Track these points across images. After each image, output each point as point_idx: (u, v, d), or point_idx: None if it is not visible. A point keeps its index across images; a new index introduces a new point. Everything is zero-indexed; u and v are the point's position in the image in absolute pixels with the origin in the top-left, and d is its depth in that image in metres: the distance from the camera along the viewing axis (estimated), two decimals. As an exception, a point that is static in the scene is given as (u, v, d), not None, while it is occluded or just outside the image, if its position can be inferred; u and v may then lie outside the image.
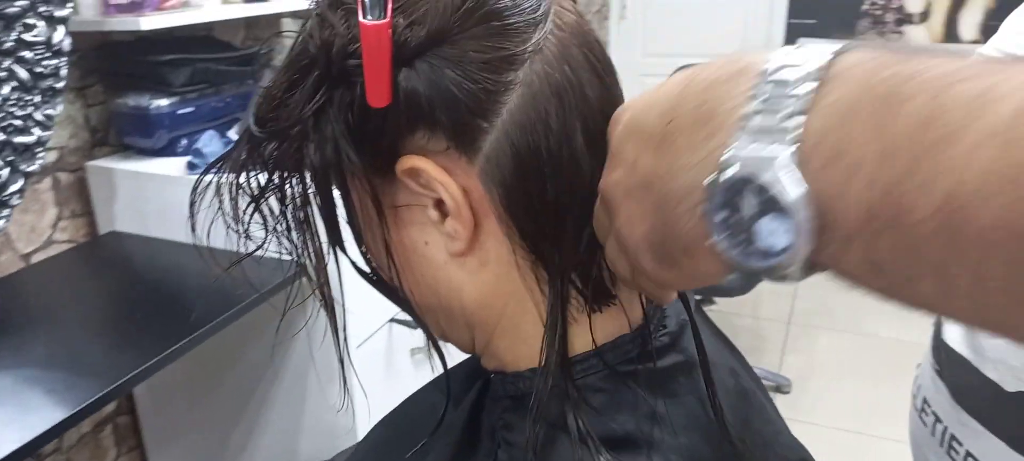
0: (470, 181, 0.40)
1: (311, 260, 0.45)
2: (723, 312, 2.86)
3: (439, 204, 0.41)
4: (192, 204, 0.43)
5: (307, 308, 0.50)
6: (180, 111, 1.49)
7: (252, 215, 0.43)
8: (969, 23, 3.52)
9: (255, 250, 0.45)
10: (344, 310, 0.49)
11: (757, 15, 3.96)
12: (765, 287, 2.79)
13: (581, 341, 0.44)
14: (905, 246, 0.23)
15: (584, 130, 0.40)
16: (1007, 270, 0.21)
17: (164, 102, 1.47)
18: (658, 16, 4.13)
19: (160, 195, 1.44)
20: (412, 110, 0.38)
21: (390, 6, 0.37)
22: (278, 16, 1.97)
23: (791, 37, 3.89)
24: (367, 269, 0.46)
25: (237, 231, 0.43)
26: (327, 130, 0.39)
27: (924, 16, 3.63)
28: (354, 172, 0.41)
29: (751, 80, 0.27)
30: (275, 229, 0.44)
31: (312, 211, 0.43)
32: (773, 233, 0.26)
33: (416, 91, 0.38)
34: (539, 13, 0.40)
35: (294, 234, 0.44)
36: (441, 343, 0.50)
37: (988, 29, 3.44)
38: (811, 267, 0.26)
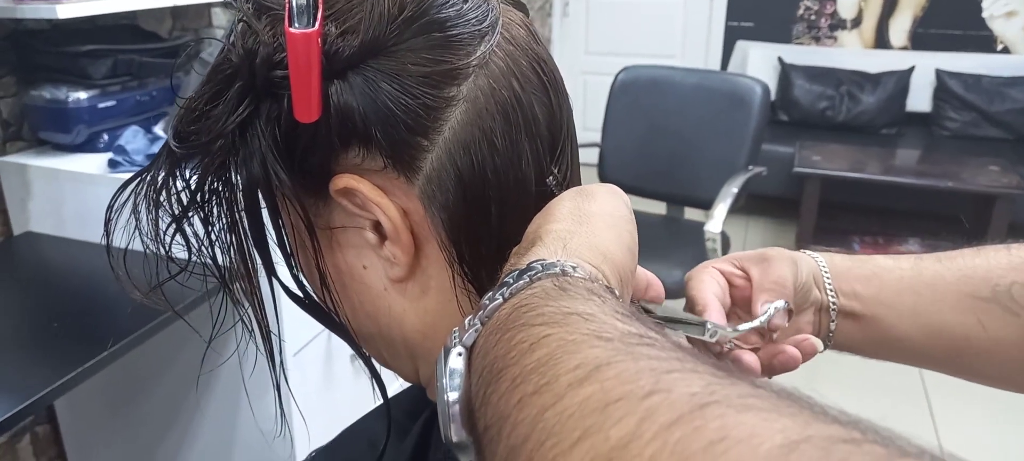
0: (409, 203, 0.37)
1: (241, 285, 0.41)
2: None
3: (377, 227, 0.38)
4: (107, 222, 0.39)
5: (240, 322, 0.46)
6: (101, 105, 1.40)
7: (173, 237, 0.39)
8: (898, 30, 3.65)
9: (177, 274, 0.41)
10: (280, 338, 0.46)
11: (697, 17, 4.02)
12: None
13: None
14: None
15: (532, 151, 0.38)
16: None
17: (83, 95, 1.38)
18: (600, 15, 4.15)
19: (79, 194, 1.35)
20: (344, 126, 0.35)
21: (321, 13, 0.34)
22: (207, 5, 1.88)
23: (729, 39, 3.96)
24: (300, 294, 0.43)
25: (157, 254, 0.39)
26: (253, 145, 0.36)
27: (856, 22, 3.74)
28: (283, 191, 0.37)
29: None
30: (199, 252, 0.40)
31: (240, 233, 0.40)
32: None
33: (349, 106, 0.35)
34: (485, 25, 0.37)
35: (220, 257, 0.40)
36: (381, 369, 0.47)
37: (916, 36, 3.58)
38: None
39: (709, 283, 0.49)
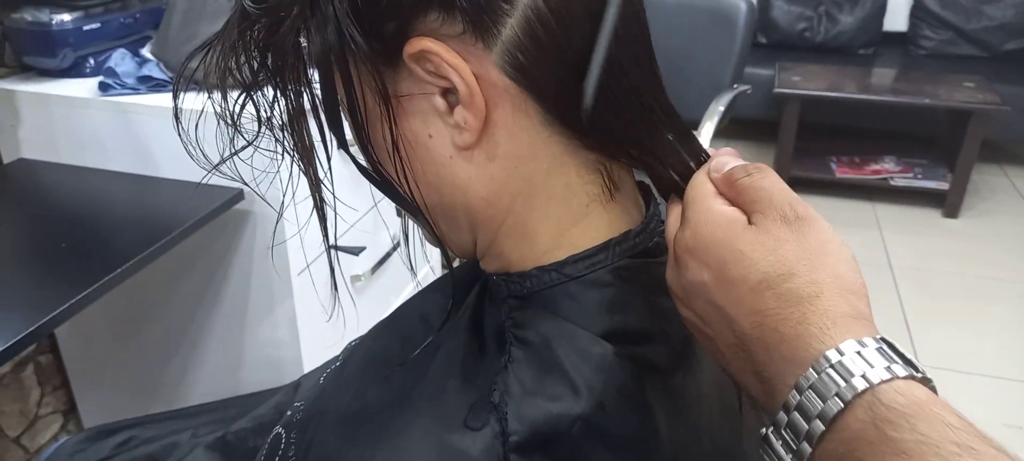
0: (483, 68, 0.38)
1: (304, 155, 0.42)
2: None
3: (446, 93, 0.39)
4: (175, 91, 0.39)
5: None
6: (86, 27, 1.36)
7: (243, 106, 0.40)
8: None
9: (244, 147, 0.42)
10: (335, 211, 0.47)
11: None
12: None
13: (587, 237, 0.43)
14: None
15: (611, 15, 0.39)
16: None
17: (67, 17, 1.34)
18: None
19: (70, 119, 1.32)
20: None
21: None
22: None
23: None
24: (366, 164, 0.44)
25: (226, 122, 0.40)
26: (329, 9, 0.36)
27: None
28: (357, 57, 0.38)
29: (814, 351, 0.32)
30: (268, 121, 0.41)
31: (307, 100, 0.40)
32: None
33: None
34: None
35: (287, 127, 0.41)
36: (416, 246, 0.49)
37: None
38: None
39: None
